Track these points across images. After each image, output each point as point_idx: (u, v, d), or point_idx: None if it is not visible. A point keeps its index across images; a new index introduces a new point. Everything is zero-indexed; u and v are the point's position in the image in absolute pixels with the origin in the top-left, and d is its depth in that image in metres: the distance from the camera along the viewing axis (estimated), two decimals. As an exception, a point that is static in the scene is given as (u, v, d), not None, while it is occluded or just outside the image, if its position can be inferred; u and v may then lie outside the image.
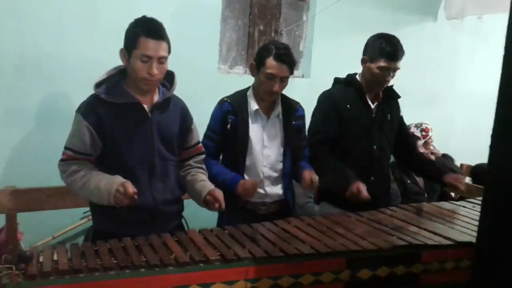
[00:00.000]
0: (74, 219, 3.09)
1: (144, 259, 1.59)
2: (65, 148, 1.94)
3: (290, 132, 2.40)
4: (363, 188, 2.28)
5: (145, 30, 1.86)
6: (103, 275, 1.49)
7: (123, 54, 1.93)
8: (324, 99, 2.56)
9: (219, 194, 1.99)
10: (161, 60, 1.89)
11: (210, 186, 2.05)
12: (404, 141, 2.70)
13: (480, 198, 2.63)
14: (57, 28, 2.93)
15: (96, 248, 1.66)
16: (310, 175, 2.24)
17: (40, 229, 2.94)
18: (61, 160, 1.94)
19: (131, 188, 1.77)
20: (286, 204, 2.44)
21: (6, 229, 2.53)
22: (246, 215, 2.29)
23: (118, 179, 1.83)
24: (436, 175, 2.66)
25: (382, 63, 2.40)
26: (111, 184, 1.81)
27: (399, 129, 2.65)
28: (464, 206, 2.53)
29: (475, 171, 4.03)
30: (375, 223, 2.14)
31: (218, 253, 1.67)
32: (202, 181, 2.09)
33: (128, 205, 1.80)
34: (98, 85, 1.94)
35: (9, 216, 2.51)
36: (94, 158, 1.95)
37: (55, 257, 1.56)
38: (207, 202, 2.01)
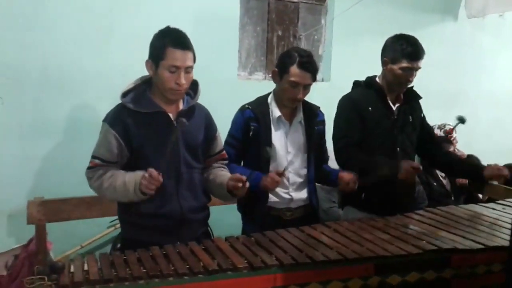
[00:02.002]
0: (101, 228, 3.14)
1: (173, 267, 1.60)
2: (93, 156, 1.97)
3: (312, 137, 2.40)
4: (412, 163, 2.30)
5: (172, 40, 1.88)
6: (133, 285, 1.50)
7: (149, 65, 1.95)
8: (345, 103, 2.55)
9: (239, 175, 2.01)
10: (188, 69, 1.92)
11: (230, 174, 2.07)
12: (429, 142, 2.66)
13: (510, 200, 2.60)
14: (77, 40, 3.00)
15: (125, 257, 1.68)
16: (348, 175, 2.27)
17: (69, 239, 2.99)
18: (88, 168, 1.97)
19: (155, 172, 1.81)
20: (311, 209, 2.44)
21: (36, 239, 2.57)
22: (271, 221, 2.29)
23: (141, 172, 1.87)
24: (473, 171, 2.60)
25: (404, 64, 2.38)
26: (136, 176, 1.86)
27: (422, 129, 2.62)
28: (493, 208, 2.47)
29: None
30: (402, 227, 2.11)
31: (246, 261, 1.67)
32: (223, 175, 2.10)
33: (153, 194, 1.83)
34: (124, 95, 1.97)
35: (38, 227, 2.55)
36: (120, 166, 1.98)
37: (85, 267, 1.59)
38: (230, 189, 2.02)
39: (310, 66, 2.24)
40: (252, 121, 2.33)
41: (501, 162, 3.90)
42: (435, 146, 2.73)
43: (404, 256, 1.79)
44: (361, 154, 2.42)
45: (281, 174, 2.17)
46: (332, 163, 2.57)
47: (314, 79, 2.31)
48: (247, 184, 1.99)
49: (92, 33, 3.03)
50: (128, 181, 1.87)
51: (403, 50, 2.38)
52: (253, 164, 2.36)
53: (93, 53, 3.04)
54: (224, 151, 2.23)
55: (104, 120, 1.97)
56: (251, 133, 2.32)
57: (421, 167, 2.30)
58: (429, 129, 2.74)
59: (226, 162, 2.23)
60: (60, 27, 2.94)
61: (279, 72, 2.30)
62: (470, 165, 2.67)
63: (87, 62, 3.03)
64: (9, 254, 2.78)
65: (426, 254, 1.82)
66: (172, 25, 1.98)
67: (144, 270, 1.58)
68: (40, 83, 2.93)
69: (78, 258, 1.68)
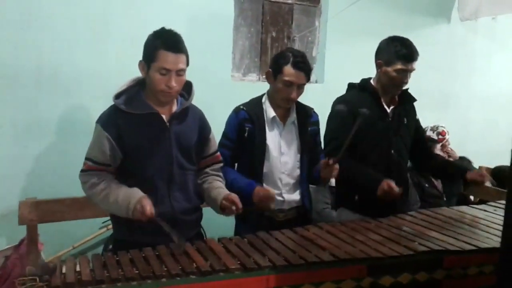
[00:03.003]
0: (93, 229, 3.13)
1: (165, 268, 1.60)
2: (86, 158, 1.96)
3: (306, 138, 2.40)
4: (393, 184, 2.26)
5: (165, 43, 1.87)
6: (125, 286, 1.50)
7: (142, 66, 1.94)
8: (339, 105, 2.55)
9: (235, 197, 1.99)
10: (180, 72, 1.91)
11: (225, 191, 2.05)
12: (421, 145, 2.67)
13: (501, 201, 2.62)
14: (72, 40, 2.98)
15: (117, 258, 1.67)
16: (326, 161, 2.22)
17: (60, 240, 2.98)
18: (82, 170, 1.96)
19: (149, 209, 1.80)
20: (304, 210, 2.44)
21: (27, 240, 2.56)
22: (264, 223, 2.28)
23: (136, 193, 1.85)
24: (457, 174, 2.61)
25: (399, 66, 2.39)
26: (129, 199, 1.83)
27: (415, 133, 2.63)
28: (485, 210, 2.49)
29: (495, 174, 3.96)
30: (395, 229, 2.12)
31: (238, 262, 1.68)
32: (218, 188, 2.09)
33: (145, 221, 1.82)
34: (117, 96, 1.96)
35: (30, 227, 2.54)
36: (113, 168, 1.96)
37: (77, 268, 1.58)
38: (223, 208, 2.01)
39: (304, 65, 2.25)
40: (247, 122, 2.33)
41: (494, 164, 3.97)
42: (425, 150, 2.75)
43: (397, 257, 1.80)
44: (350, 160, 2.42)
45: (270, 197, 2.14)
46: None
47: (308, 79, 2.32)
48: (240, 208, 1.97)
49: (87, 33, 3.02)
50: (121, 203, 1.85)
51: (397, 52, 2.39)
52: (247, 166, 2.37)
53: (88, 53, 3.03)
54: (219, 153, 2.22)
55: (97, 122, 1.96)
56: (245, 134, 2.32)
57: (398, 191, 2.25)
58: (422, 132, 2.76)
59: (221, 165, 2.22)
60: (55, 27, 2.93)
61: (273, 72, 2.31)
62: (453, 168, 2.68)
63: (81, 62, 3.01)
64: (0, 255, 2.77)
65: (418, 256, 1.83)
66: (167, 26, 1.97)
67: (137, 271, 1.57)
68: (34, 83, 2.91)
69: (70, 259, 1.67)
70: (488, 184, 3.92)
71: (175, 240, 1.80)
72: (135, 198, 1.83)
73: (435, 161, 2.76)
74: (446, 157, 3.76)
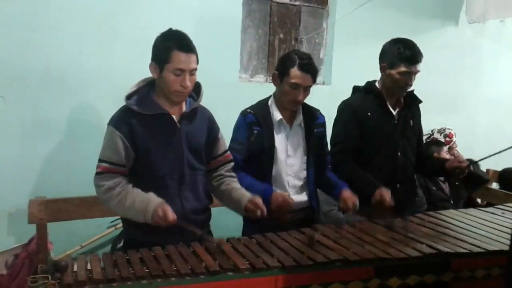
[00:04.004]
0: (101, 228, 3.14)
1: (175, 268, 1.61)
2: (100, 161, 1.95)
3: (312, 140, 2.41)
4: (386, 194, 2.26)
5: (177, 44, 1.90)
6: (135, 284, 1.51)
7: (153, 68, 1.96)
8: (344, 108, 2.56)
9: (260, 201, 2.01)
10: (192, 72, 1.94)
11: (249, 194, 2.07)
12: (419, 148, 2.67)
13: (509, 204, 2.62)
14: (79, 40, 3.00)
15: (128, 257, 1.69)
16: (351, 199, 2.24)
17: (69, 239, 2.99)
18: (97, 173, 1.95)
19: (171, 215, 1.82)
20: (311, 211, 2.44)
21: (37, 238, 2.58)
22: (272, 223, 2.29)
23: (152, 198, 1.87)
24: (438, 167, 2.60)
25: (403, 68, 2.39)
26: (147, 204, 1.85)
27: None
28: (492, 213, 2.49)
29: (503, 176, 3.95)
30: (403, 230, 2.12)
31: (247, 262, 1.69)
32: (239, 189, 2.11)
33: (164, 227, 1.85)
34: (128, 97, 1.98)
35: (39, 226, 2.56)
36: (127, 170, 1.97)
37: (88, 266, 1.59)
38: (248, 210, 2.03)
39: (310, 67, 2.26)
40: (255, 125, 2.34)
41: (500, 166, 3.96)
42: (421, 153, 2.73)
43: (405, 259, 1.80)
44: (352, 165, 2.43)
45: (288, 203, 2.17)
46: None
47: (314, 81, 2.33)
48: (265, 213, 2.00)
49: (95, 34, 3.04)
50: (138, 208, 1.86)
51: (401, 55, 2.39)
52: (255, 169, 2.37)
53: (95, 54, 3.05)
54: (229, 153, 2.23)
55: (109, 123, 1.98)
56: (253, 137, 2.33)
57: (389, 202, 2.25)
58: (421, 134, 2.75)
59: (232, 164, 2.23)
60: (63, 27, 2.95)
61: (280, 74, 2.31)
62: (436, 162, 2.67)
63: (89, 62, 3.03)
64: (9, 253, 2.79)
65: (426, 258, 1.83)
66: (174, 27, 1.99)
67: (147, 270, 1.59)
68: (42, 83, 2.93)
69: (81, 257, 1.69)
70: (494, 186, 3.91)
71: (208, 239, 1.85)
72: (153, 203, 1.84)
73: (424, 161, 2.72)
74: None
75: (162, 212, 1.82)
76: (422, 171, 2.84)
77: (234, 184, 2.14)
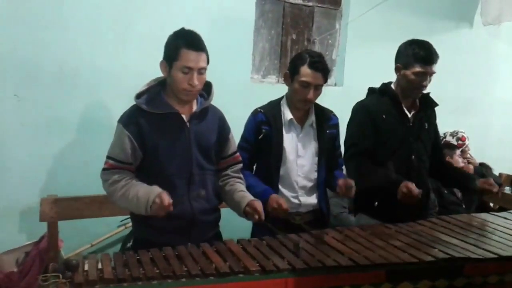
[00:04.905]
0: (111, 227, 3.16)
1: (186, 268, 1.61)
2: (107, 157, 1.98)
3: (324, 141, 2.39)
4: (412, 186, 2.24)
5: (186, 42, 1.90)
6: (146, 285, 1.51)
7: (163, 66, 1.97)
8: (359, 110, 2.53)
9: (259, 205, 2.00)
10: (201, 71, 1.93)
11: (249, 197, 2.07)
12: (435, 151, 2.64)
13: (523, 209, 2.58)
14: (94, 40, 3.02)
15: (138, 257, 1.69)
16: (345, 182, 2.22)
17: (79, 237, 3.01)
18: (103, 169, 1.98)
19: (167, 200, 1.80)
20: (321, 213, 2.43)
21: (48, 236, 2.60)
22: (281, 225, 2.28)
23: (156, 189, 1.86)
24: (464, 184, 2.58)
25: (417, 69, 2.36)
26: (149, 194, 1.84)
27: (433, 138, 2.60)
28: (505, 218, 2.45)
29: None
30: (415, 235, 2.10)
31: (258, 264, 1.68)
32: (241, 191, 2.11)
33: (164, 216, 1.83)
34: (139, 96, 1.99)
35: (51, 224, 2.58)
36: (134, 167, 1.99)
37: (99, 266, 1.60)
38: (246, 213, 2.03)
39: (320, 66, 2.25)
40: (264, 125, 2.33)
41: (514, 171, 3.91)
42: (441, 157, 2.71)
43: (416, 264, 1.78)
44: (369, 163, 2.40)
45: (283, 208, 2.15)
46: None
47: (325, 80, 2.31)
48: (262, 218, 1.99)
49: (108, 33, 3.06)
50: (141, 196, 1.86)
51: (416, 55, 2.36)
52: (264, 168, 2.37)
53: (108, 53, 3.06)
54: (238, 154, 2.23)
55: (119, 121, 1.99)
56: (261, 136, 2.33)
57: (417, 193, 2.23)
58: (438, 138, 2.72)
59: (241, 165, 2.23)
60: (76, 27, 2.97)
61: (291, 73, 2.31)
62: (462, 177, 2.64)
63: (102, 61, 3.05)
64: (20, 250, 2.81)
65: (438, 262, 1.81)
66: (187, 27, 1.99)
67: (157, 271, 1.59)
68: (55, 82, 2.96)
69: (92, 256, 1.69)
70: (507, 190, 3.86)
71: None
72: (154, 193, 1.83)
73: (447, 169, 2.71)
74: (466, 163, 3.72)
75: (159, 199, 1.80)
76: (442, 181, 2.85)
77: (237, 186, 2.14)
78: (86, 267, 1.58)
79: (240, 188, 2.12)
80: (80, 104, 3.05)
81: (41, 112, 2.94)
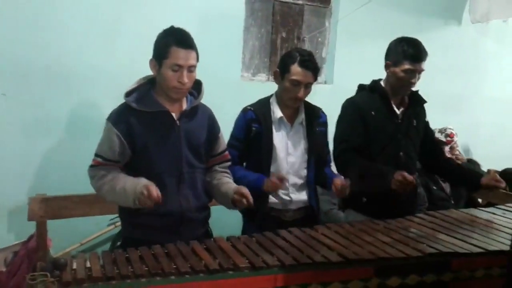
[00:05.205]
0: (101, 226, 3.15)
1: (175, 266, 1.61)
2: (95, 155, 1.98)
3: (313, 138, 2.40)
4: (405, 173, 2.25)
5: (176, 40, 1.90)
6: (135, 282, 1.51)
7: (153, 64, 1.96)
8: (349, 106, 2.55)
9: (245, 190, 2.00)
10: (191, 68, 1.93)
11: (235, 186, 2.07)
12: (430, 147, 2.66)
13: (510, 205, 2.61)
14: (82, 39, 3.01)
15: (127, 255, 1.68)
16: (341, 181, 2.24)
17: (68, 236, 3.00)
18: (91, 166, 1.98)
19: (155, 192, 1.79)
20: (311, 210, 2.44)
21: (37, 236, 2.58)
22: (271, 222, 2.29)
23: (143, 181, 1.85)
24: (471, 180, 2.57)
25: (406, 66, 2.38)
26: (136, 186, 1.84)
27: (424, 134, 2.62)
28: (493, 213, 2.48)
29: (504, 177, 3.93)
30: (403, 230, 2.11)
31: (247, 261, 1.68)
32: (228, 183, 2.11)
33: (152, 207, 1.82)
34: (128, 94, 1.98)
35: (39, 223, 2.56)
36: (122, 165, 1.98)
37: (88, 264, 1.59)
38: (234, 202, 2.02)
39: (311, 64, 2.26)
40: (254, 123, 2.34)
41: (502, 167, 3.94)
42: (436, 152, 2.72)
43: (404, 259, 1.80)
44: (360, 159, 2.41)
45: (282, 179, 2.18)
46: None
47: (315, 78, 2.32)
48: (251, 201, 1.99)
49: (98, 31, 3.04)
50: (128, 188, 1.85)
51: (405, 52, 2.38)
52: (254, 166, 2.37)
53: (98, 51, 3.05)
54: (227, 152, 2.23)
55: (108, 119, 1.98)
56: (252, 134, 2.33)
57: (412, 179, 2.25)
58: (432, 134, 2.74)
59: (229, 164, 2.23)
60: (66, 25, 2.95)
61: (281, 71, 2.31)
62: (469, 173, 2.65)
63: (92, 60, 3.03)
64: (9, 250, 2.80)
65: (426, 257, 1.82)
66: (177, 25, 1.99)
67: (146, 268, 1.58)
68: (45, 80, 2.94)
69: (80, 255, 1.69)
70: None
71: None
72: (141, 185, 1.82)
73: (446, 164, 2.72)
74: (455, 160, 3.75)
75: (146, 191, 1.78)
76: (446, 178, 2.86)
77: (224, 179, 2.14)
78: (74, 266, 1.57)
79: (226, 181, 2.12)
80: (69, 103, 3.03)
81: (29, 111, 2.92)
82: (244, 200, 1.98)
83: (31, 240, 2.71)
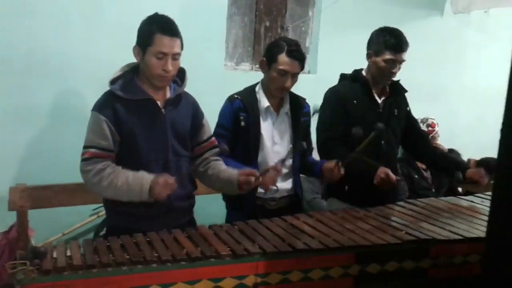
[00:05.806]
0: (83, 216, 3.13)
1: (156, 254, 1.61)
2: (87, 147, 1.91)
3: (298, 128, 2.42)
4: (389, 171, 2.29)
5: (160, 27, 1.88)
6: (116, 270, 1.51)
7: (137, 51, 1.94)
8: (331, 96, 2.56)
9: (250, 170, 2.02)
10: (175, 56, 1.92)
11: (236, 170, 2.07)
12: (414, 135, 2.68)
13: (488, 193, 2.65)
14: (64, 26, 2.96)
15: (108, 244, 1.68)
16: (331, 164, 2.27)
17: (50, 226, 2.97)
18: (84, 159, 1.90)
19: (172, 179, 1.82)
20: (296, 198, 2.46)
21: (17, 226, 2.56)
22: (256, 211, 2.30)
23: (146, 175, 1.85)
24: (456, 169, 2.60)
25: (387, 56, 2.41)
26: (141, 180, 1.83)
27: (408, 122, 2.64)
28: (472, 201, 2.53)
29: (481, 165, 3.99)
30: (383, 218, 2.14)
31: (229, 248, 1.69)
32: (227, 169, 2.10)
33: (166, 198, 1.85)
34: (113, 82, 1.96)
35: (20, 213, 2.53)
36: (115, 155, 1.94)
37: (68, 253, 1.58)
38: (241, 183, 2.01)
39: (298, 54, 2.26)
40: (242, 111, 2.33)
41: (481, 157, 4.00)
42: (420, 140, 2.74)
43: (384, 246, 1.82)
44: (343, 148, 2.43)
45: (253, 176, 2.14)
46: (316, 155, 2.60)
47: (302, 68, 2.33)
48: (259, 177, 2.00)
49: (79, 19, 3.00)
50: (133, 182, 1.83)
51: (386, 42, 2.40)
52: (241, 155, 2.37)
53: (79, 39, 3.00)
54: (214, 138, 2.22)
55: (93, 109, 1.94)
56: (242, 123, 2.32)
57: (395, 179, 2.31)
58: (415, 122, 2.76)
59: (217, 150, 2.21)
60: (47, 12, 2.90)
61: (268, 61, 2.31)
62: (453, 162, 2.69)
63: (73, 48, 2.99)
64: (-11, 240, 2.76)
65: (405, 244, 1.85)
66: (160, 13, 1.97)
67: (128, 257, 1.58)
68: (26, 68, 2.89)
69: (60, 243, 1.68)
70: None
71: None
72: (148, 178, 1.83)
73: (433, 152, 2.74)
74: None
75: (163, 180, 1.81)
76: (429, 163, 2.92)
77: (220, 167, 2.13)
78: (54, 254, 1.57)
79: (223, 168, 2.12)
80: (51, 92, 2.99)
81: (11, 99, 2.87)
82: (252, 178, 1.98)
83: (12, 230, 2.67)
